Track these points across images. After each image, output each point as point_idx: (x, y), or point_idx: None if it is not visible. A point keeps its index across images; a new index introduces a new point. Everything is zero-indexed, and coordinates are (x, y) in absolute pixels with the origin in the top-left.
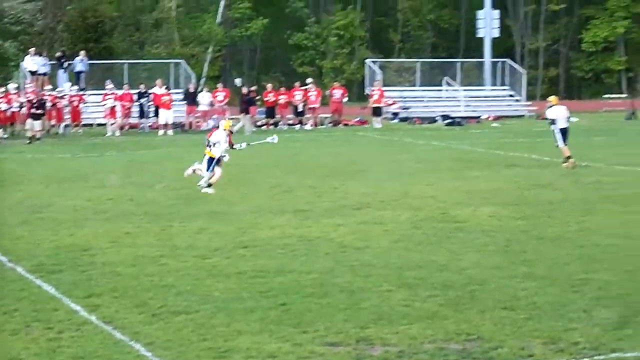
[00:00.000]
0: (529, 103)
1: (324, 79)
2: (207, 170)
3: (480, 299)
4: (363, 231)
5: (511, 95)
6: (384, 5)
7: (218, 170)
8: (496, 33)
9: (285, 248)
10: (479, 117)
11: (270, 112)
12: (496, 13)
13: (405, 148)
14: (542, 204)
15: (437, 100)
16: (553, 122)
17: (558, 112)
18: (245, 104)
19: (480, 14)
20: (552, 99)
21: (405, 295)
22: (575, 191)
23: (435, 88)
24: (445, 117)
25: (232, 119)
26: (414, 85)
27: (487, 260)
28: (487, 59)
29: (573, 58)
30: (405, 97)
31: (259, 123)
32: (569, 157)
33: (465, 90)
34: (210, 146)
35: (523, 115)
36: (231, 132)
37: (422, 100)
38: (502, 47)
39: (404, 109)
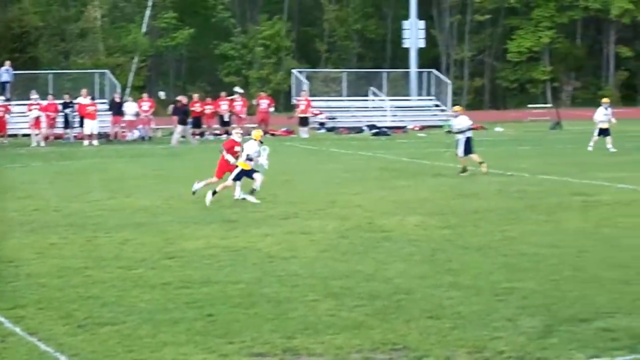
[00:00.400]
0: None
1: (250, 88)
2: (234, 179)
3: (406, 308)
4: (290, 241)
5: (437, 106)
6: (310, 15)
7: (259, 177)
8: (422, 43)
9: (211, 258)
10: (405, 127)
11: (196, 123)
12: (422, 23)
13: (332, 158)
14: (468, 213)
15: (363, 110)
16: (460, 131)
17: (464, 121)
18: (183, 115)
19: (405, 24)
20: (457, 108)
21: (332, 305)
22: (500, 200)
23: (362, 98)
24: (371, 127)
25: (254, 128)
26: (340, 95)
27: (413, 269)
28: (413, 69)
29: (498, 68)
30: (331, 107)
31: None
32: (465, 169)
33: (391, 100)
34: (250, 160)
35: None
36: (261, 142)
37: (349, 110)
38: (428, 57)
39: (331, 119)
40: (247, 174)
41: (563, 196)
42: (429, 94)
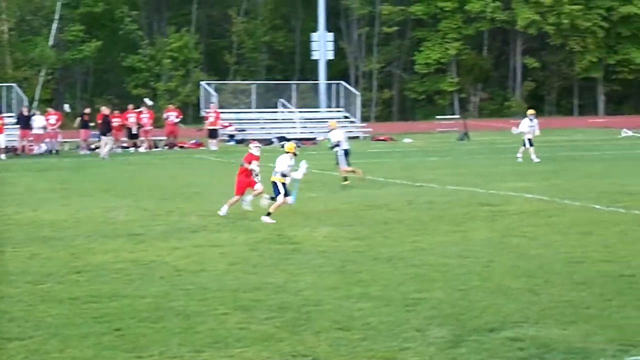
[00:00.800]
0: (363, 124)
1: (158, 101)
2: (277, 194)
3: (316, 320)
4: (199, 254)
5: (346, 117)
6: (218, 27)
7: (280, 197)
8: (331, 55)
9: (119, 272)
10: (314, 138)
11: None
12: (330, 35)
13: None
14: (377, 224)
15: (273, 122)
16: (337, 144)
17: (339, 135)
18: (106, 126)
19: (314, 36)
20: (332, 123)
21: (242, 318)
22: (409, 211)
23: (271, 110)
24: (281, 138)
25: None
26: (249, 107)
27: (323, 281)
28: (322, 81)
29: (406, 80)
30: (240, 119)
31: (92, 146)
32: (346, 178)
33: (300, 112)
34: (284, 175)
35: (358, 137)
36: (295, 154)
37: (258, 122)
38: (337, 69)
39: (240, 130)
40: (283, 187)
41: (471, 206)
42: (338, 106)
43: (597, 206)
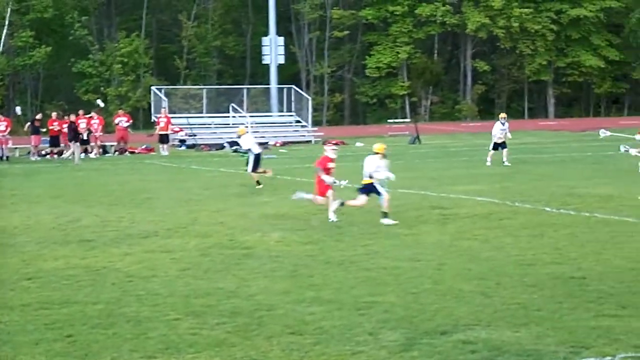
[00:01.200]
0: (315, 129)
1: (109, 106)
2: (362, 192)
3: (268, 324)
4: (150, 260)
5: (298, 121)
6: (168, 32)
7: (363, 198)
8: (282, 60)
9: (70, 279)
10: (266, 143)
11: (54, 141)
12: (281, 40)
13: (192, 175)
14: (330, 228)
15: (224, 127)
16: (249, 150)
17: (249, 141)
18: (74, 132)
19: (265, 40)
20: (241, 130)
21: (193, 324)
22: (361, 215)
23: (222, 115)
24: (232, 143)
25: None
26: (200, 112)
27: (275, 285)
28: (273, 85)
29: (358, 84)
30: (192, 124)
31: (43, 152)
32: (259, 182)
33: (252, 116)
34: (371, 177)
35: (310, 141)
36: (384, 155)
37: (209, 127)
38: (288, 74)
39: (191, 135)
40: (373, 189)
41: (422, 210)
42: (289, 110)
43: (548, 209)
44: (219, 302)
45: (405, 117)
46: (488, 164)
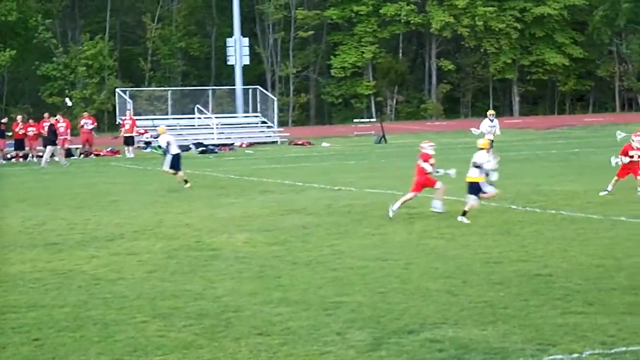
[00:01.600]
0: (281, 129)
1: (74, 109)
2: (475, 194)
3: (235, 326)
4: (116, 262)
5: (263, 122)
6: (132, 34)
7: (493, 190)
8: (246, 60)
9: (37, 282)
10: (232, 144)
11: (19, 144)
12: (246, 40)
13: (158, 177)
14: (296, 229)
15: (189, 129)
16: (166, 149)
17: (167, 139)
18: (52, 134)
19: (229, 41)
20: (161, 128)
21: (160, 326)
22: (328, 215)
23: (188, 116)
24: (198, 145)
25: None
26: (165, 114)
27: (242, 287)
28: (238, 86)
29: (323, 84)
30: (157, 126)
31: (8, 155)
32: (186, 181)
33: (217, 117)
34: (478, 167)
35: (276, 142)
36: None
37: (175, 129)
38: (253, 74)
39: (156, 137)
40: (480, 188)
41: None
42: (255, 111)
43: (514, 206)
44: (186, 304)
45: (371, 117)
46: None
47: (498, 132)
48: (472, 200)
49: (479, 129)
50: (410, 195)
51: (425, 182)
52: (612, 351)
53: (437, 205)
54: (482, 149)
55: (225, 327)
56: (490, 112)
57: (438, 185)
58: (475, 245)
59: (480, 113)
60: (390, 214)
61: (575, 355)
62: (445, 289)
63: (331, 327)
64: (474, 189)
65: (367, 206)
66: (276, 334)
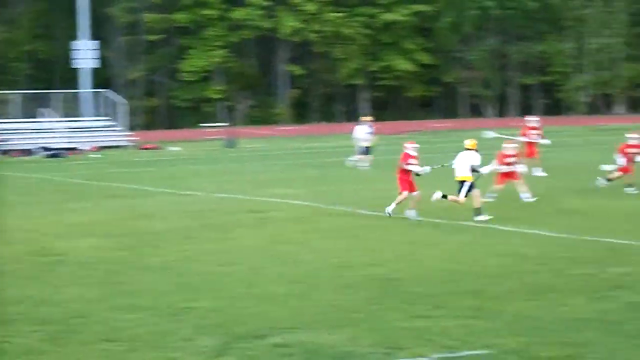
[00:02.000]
0: (130, 133)
1: None
2: (464, 195)
3: (81, 332)
4: None
5: (112, 126)
6: None
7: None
8: (94, 64)
9: None
10: (77, 148)
11: None
12: (93, 44)
13: (4, 182)
14: (145, 234)
15: (35, 132)
16: None
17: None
18: None
19: (76, 44)
20: None
21: (4, 332)
22: (177, 220)
23: (33, 120)
24: (45, 148)
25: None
26: (11, 118)
27: (88, 292)
28: (85, 89)
29: (172, 87)
30: (2, 130)
31: None
32: None
33: (64, 121)
34: (476, 171)
35: (125, 146)
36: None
37: (20, 132)
38: (102, 78)
39: (2, 141)
40: (472, 186)
41: (238, 214)
42: (103, 115)
43: (362, 211)
44: (31, 309)
45: (221, 121)
46: (366, 167)
47: (375, 137)
48: (475, 196)
49: (491, 132)
50: (403, 195)
51: (408, 182)
52: (458, 354)
53: (411, 214)
54: (470, 149)
55: (71, 333)
56: (366, 118)
57: (414, 193)
58: (325, 250)
59: (329, 118)
60: (390, 213)
61: (422, 358)
62: (295, 294)
63: (179, 333)
64: (468, 186)
65: (217, 211)
66: (123, 340)
